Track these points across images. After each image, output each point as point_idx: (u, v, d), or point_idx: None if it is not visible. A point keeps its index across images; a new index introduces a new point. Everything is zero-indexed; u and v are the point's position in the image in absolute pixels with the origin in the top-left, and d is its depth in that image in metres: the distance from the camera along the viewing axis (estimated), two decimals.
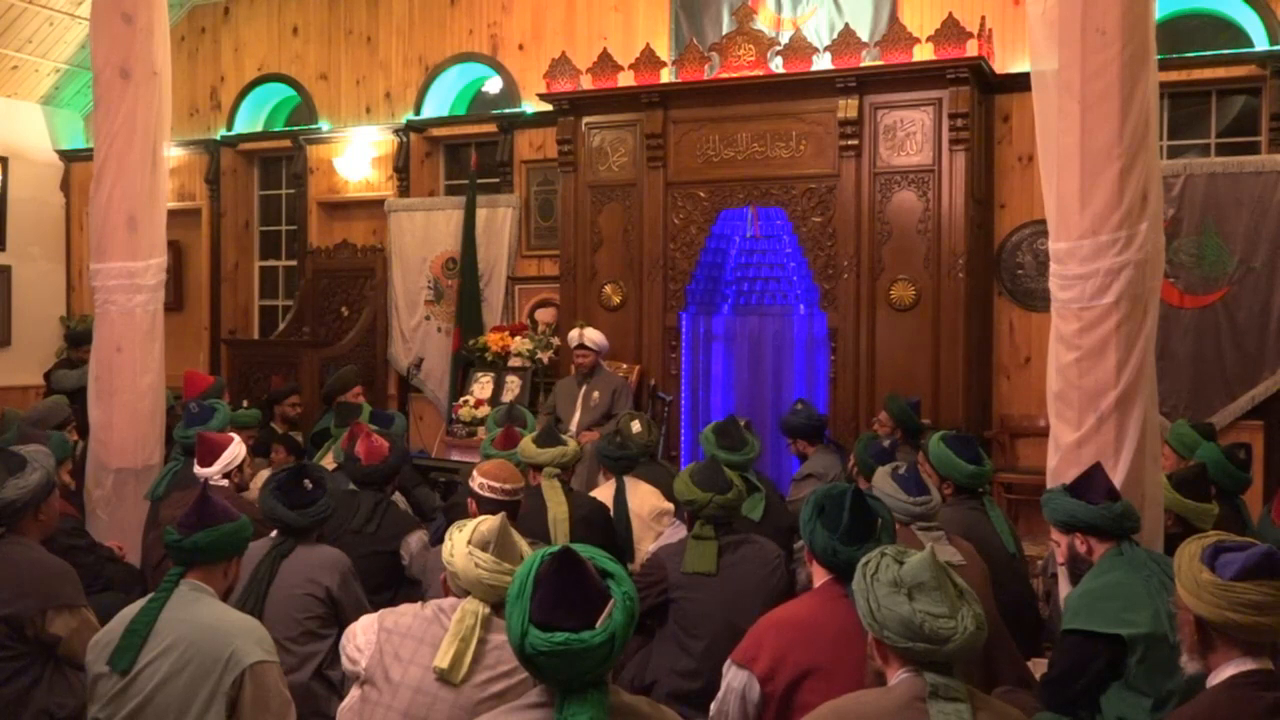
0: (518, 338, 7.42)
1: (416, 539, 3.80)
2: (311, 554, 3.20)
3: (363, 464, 3.90)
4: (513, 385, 7.21)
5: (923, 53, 6.09)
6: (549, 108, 7.07)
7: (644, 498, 4.31)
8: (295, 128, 8.95)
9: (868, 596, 1.97)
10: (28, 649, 3.01)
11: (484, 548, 2.35)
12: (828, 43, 6.40)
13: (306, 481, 3.25)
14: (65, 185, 9.69)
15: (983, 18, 6.21)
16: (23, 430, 4.33)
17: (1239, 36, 6.39)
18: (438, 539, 3.44)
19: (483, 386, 7.32)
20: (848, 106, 6.15)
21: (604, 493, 4.32)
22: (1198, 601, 2.01)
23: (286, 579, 3.11)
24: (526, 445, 4.09)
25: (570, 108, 6.91)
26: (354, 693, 2.39)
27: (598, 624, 1.71)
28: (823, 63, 6.34)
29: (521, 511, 3.47)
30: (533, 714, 1.79)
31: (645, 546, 4.10)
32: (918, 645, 1.89)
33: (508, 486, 3.31)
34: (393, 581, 3.75)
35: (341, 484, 4.28)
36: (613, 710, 1.76)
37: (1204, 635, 2.03)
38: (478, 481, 3.33)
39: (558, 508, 3.84)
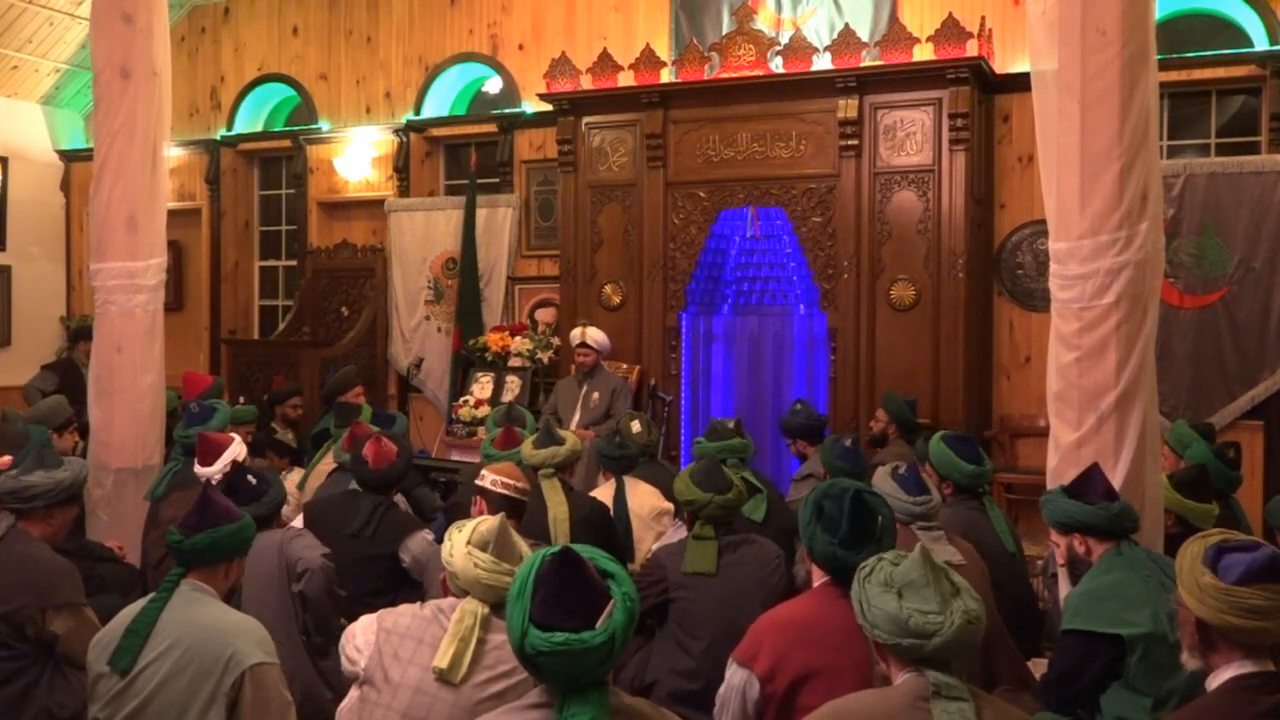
0: (518, 338, 7.42)
1: (418, 541, 3.75)
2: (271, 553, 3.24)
3: (370, 467, 3.87)
4: (512, 385, 7.20)
5: (923, 53, 6.09)
6: (549, 108, 7.07)
7: (644, 498, 4.31)
8: (295, 128, 8.95)
9: (860, 598, 1.99)
10: (28, 648, 3.02)
11: (483, 548, 2.35)
12: (828, 43, 6.40)
13: (250, 478, 3.27)
14: (65, 185, 9.69)
15: (983, 18, 6.21)
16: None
17: (1239, 36, 6.39)
18: (437, 539, 3.44)
19: (483, 386, 7.32)
20: (848, 106, 6.15)
21: (604, 493, 4.32)
22: (1198, 604, 1.99)
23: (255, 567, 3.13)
24: (525, 446, 4.11)
25: (570, 108, 6.91)
26: (353, 693, 2.39)
27: (598, 624, 1.71)
28: (823, 63, 6.34)
29: None
30: (533, 714, 1.79)
31: (645, 546, 4.11)
32: (904, 641, 1.91)
33: (520, 485, 3.34)
34: (392, 585, 3.70)
35: (342, 485, 4.28)
36: (614, 711, 1.76)
37: (1204, 636, 2.02)
38: (489, 479, 3.33)
39: (558, 508, 3.84)
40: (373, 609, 3.54)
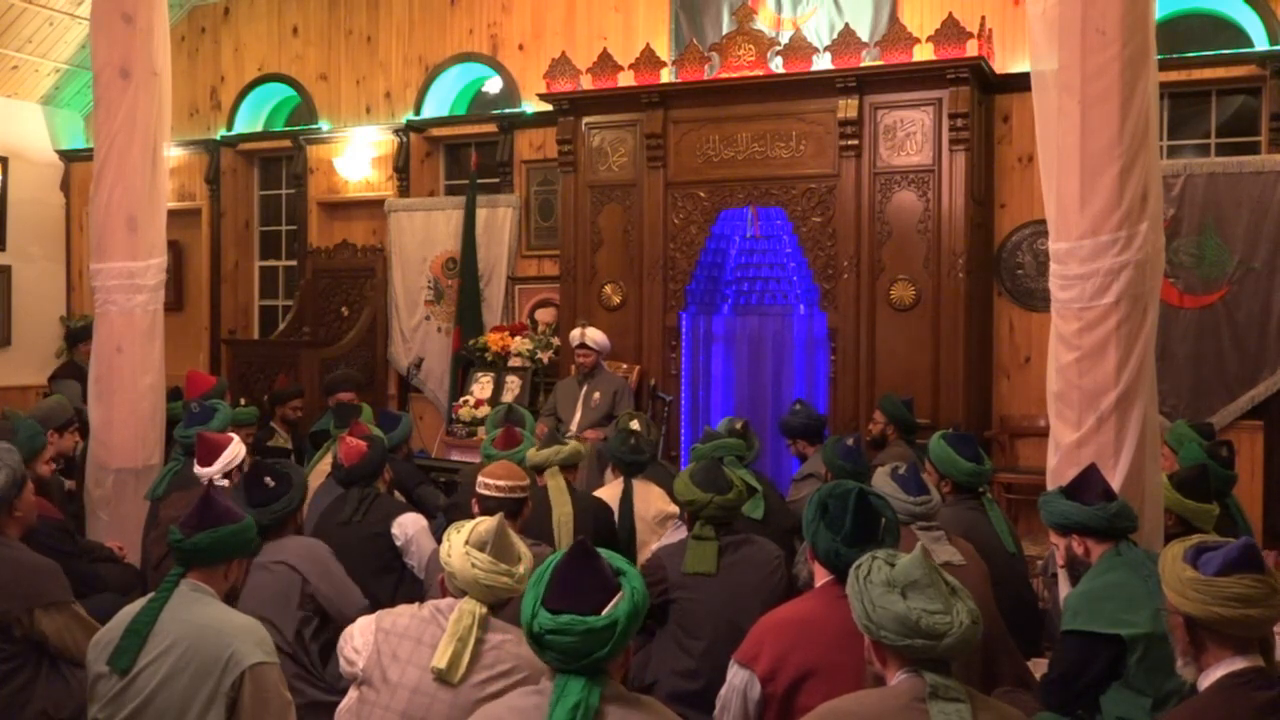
0: (518, 338, 7.42)
1: (410, 519, 3.81)
2: (280, 550, 3.21)
3: (344, 465, 3.92)
4: (512, 385, 7.21)
5: (923, 53, 6.09)
6: (549, 108, 7.08)
7: (651, 500, 4.28)
8: (295, 128, 8.95)
9: (862, 598, 1.98)
10: (20, 649, 3.01)
11: (481, 548, 2.35)
12: (828, 43, 6.40)
13: (268, 479, 3.26)
14: (65, 185, 9.69)
15: (983, 18, 6.21)
16: None
17: (1239, 36, 6.39)
18: (437, 539, 3.44)
19: (483, 386, 7.32)
20: (848, 106, 6.15)
21: (610, 491, 4.30)
22: (1184, 600, 2.02)
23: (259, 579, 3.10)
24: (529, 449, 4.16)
25: (570, 108, 6.91)
26: (351, 694, 2.39)
27: (604, 611, 1.83)
28: (823, 63, 6.34)
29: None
30: (533, 699, 1.89)
31: (649, 549, 4.09)
32: (915, 642, 1.90)
33: (501, 484, 3.29)
34: (391, 564, 3.77)
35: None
36: (612, 699, 1.84)
37: (1194, 636, 2.04)
38: (479, 481, 3.35)
39: (562, 508, 3.84)
40: (376, 590, 3.59)
